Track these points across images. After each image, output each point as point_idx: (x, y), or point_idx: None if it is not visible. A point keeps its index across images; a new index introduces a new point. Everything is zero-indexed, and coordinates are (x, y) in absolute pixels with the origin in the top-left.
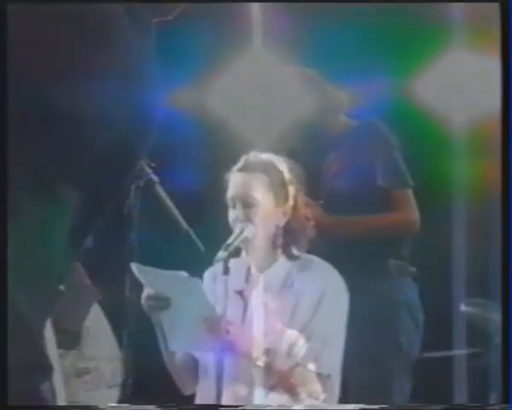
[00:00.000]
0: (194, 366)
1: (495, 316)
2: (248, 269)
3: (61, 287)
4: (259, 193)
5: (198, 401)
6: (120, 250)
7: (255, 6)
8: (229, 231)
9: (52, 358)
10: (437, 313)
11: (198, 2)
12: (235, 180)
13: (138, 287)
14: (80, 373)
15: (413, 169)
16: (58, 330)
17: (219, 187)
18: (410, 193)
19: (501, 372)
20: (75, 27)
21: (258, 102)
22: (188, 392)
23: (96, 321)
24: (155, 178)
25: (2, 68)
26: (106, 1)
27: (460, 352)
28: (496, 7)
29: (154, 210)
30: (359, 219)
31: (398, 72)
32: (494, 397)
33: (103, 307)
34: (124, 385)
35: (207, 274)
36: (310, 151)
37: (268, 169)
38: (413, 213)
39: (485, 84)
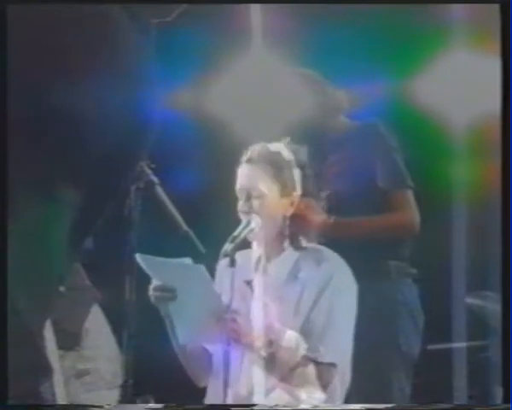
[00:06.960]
0: (205, 357)
1: (497, 309)
2: (258, 259)
3: (61, 288)
4: (264, 184)
5: (208, 394)
6: (120, 251)
7: (255, 6)
8: (230, 232)
9: (52, 359)
10: (437, 314)
11: (198, 2)
12: (241, 172)
13: (138, 288)
14: (80, 374)
15: (413, 170)
16: (58, 330)
17: (219, 188)
18: (409, 194)
19: (501, 372)
20: (75, 28)
21: (258, 103)
22: (201, 384)
23: (96, 322)
24: (155, 179)
25: (2, 68)
26: (106, 1)
27: (461, 354)
28: (496, 8)
29: (154, 211)
30: (359, 220)
31: (398, 73)
32: (500, 392)
33: (103, 308)
34: (124, 386)
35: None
36: (309, 152)
37: (274, 159)
38: (413, 214)
39: (485, 85)
